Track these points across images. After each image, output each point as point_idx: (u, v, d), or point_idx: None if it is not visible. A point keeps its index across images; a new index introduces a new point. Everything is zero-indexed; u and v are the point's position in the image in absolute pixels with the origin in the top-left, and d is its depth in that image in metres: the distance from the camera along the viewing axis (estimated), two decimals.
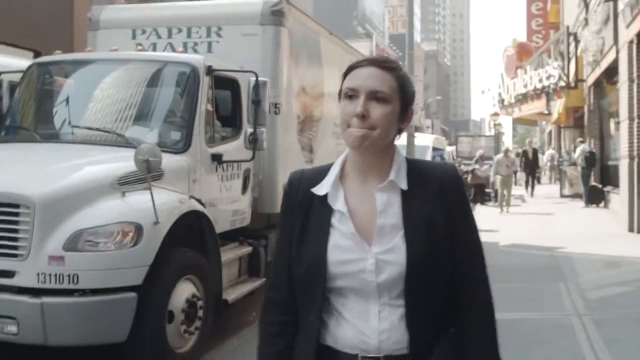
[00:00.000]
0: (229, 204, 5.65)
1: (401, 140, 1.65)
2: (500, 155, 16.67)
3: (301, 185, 1.62)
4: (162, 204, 4.37)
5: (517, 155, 21.85)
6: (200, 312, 4.74)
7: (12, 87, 5.89)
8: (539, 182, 24.66)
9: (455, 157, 22.95)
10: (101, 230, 4.10)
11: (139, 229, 4.18)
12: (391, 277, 1.49)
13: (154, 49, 6.46)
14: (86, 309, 4.01)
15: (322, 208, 1.56)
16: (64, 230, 4.04)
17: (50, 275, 3.96)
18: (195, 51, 6.33)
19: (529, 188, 21.26)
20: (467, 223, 1.61)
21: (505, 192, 15.81)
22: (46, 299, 3.94)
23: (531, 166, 21.36)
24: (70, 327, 4.00)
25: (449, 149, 22.72)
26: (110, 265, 4.09)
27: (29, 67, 5.82)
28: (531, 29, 27.65)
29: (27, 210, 4.02)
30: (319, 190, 1.58)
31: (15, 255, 4.03)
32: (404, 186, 1.54)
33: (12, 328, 3.99)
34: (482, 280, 1.61)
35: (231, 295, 5.45)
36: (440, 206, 1.55)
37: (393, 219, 1.52)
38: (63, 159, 4.75)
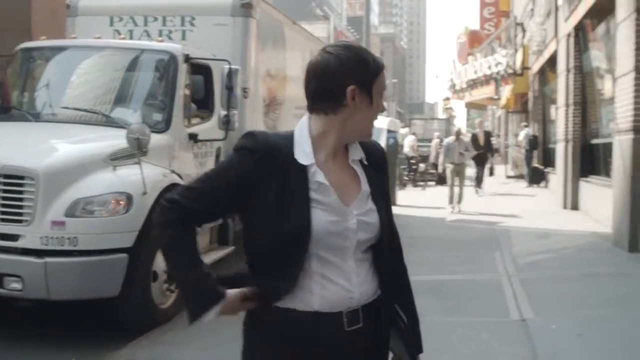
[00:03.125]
0: None
1: None
2: (450, 139, 13.27)
3: (274, 149, 1.66)
4: (149, 177, 4.96)
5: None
6: None
7: None
8: (491, 173, 20.24)
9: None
10: (97, 199, 4.70)
11: (129, 198, 4.79)
12: (367, 236, 1.69)
13: (131, 36, 6.99)
14: (84, 268, 4.61)
15: (300, 177, 1.64)
16: (64, 199, 4.62)
17: (52, 238, 4.54)
18: (170, 39, 6.88)
19: (479, 182, 16.37)
20: (389, 194, 1.85)
21: (457, 186, 12.57)
22: (49, 259, 4.52)
23: (482, 154, 16.49)
24: (70, 284, 4.59)
25: (403, 131, 23.52)
26: (105, 229, 4.70)
27: (16, 52, 6.29)
28: (483, 17, 28.67)
29: (31, 182, 4.57)
30: (304, 159, 1.66)
31: (20, 221, 4.59)
32: (365, 162, 1.76)
33: (17, 285, 4.56)
34: (399, 238, 1.89)
35: (205, 260, 6.08)
36: (384, 178, 1.81)
37: (366, 187, 1.72)
38: (58, 136, 5.31)
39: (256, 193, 1.64)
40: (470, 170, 15.95)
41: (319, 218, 1.62)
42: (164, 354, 4.44)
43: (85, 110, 5.63)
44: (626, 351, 4.24)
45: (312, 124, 1.70)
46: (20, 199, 4.62)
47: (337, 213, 1.65)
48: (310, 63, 1.70)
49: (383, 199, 1.75)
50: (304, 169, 1.65)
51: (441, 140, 19.23)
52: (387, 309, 1.74)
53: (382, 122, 21.09)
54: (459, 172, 12.62)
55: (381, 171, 1.80)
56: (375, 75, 1.68)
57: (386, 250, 1.74)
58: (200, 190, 1.70)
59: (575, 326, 4.68)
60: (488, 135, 18.18)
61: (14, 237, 4.59)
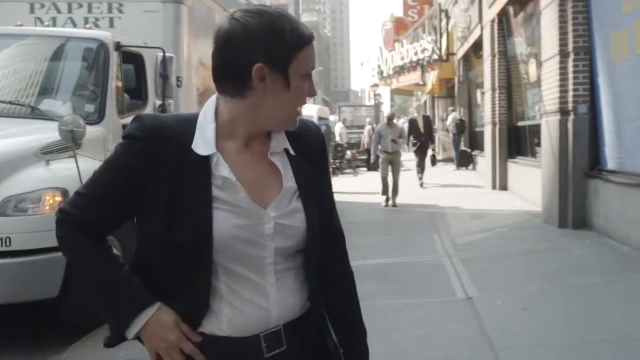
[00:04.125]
0: None
1: None
2: (382, 125, 11.66)
3: (165, 136, 1.34)
4: (84, 170, 4.72)
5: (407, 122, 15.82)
6: None
7: None
8: (433, 163, 17.98)
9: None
10: (30, 196, 4.44)
11: (65, 194, 4.54)
12: (288, 243, 1.40)
13: (54, 24, 6.65)
14: (19, 269, 4.35)
15: (199, 170, 1.34)
16: None
17: None
18: (97, 26, 6.59)
19: (422, 173, 14.25)
20: (330, 181, 1.59)
21: (391, 179, 11.06)
22: None
23: (422, 142, 14.44)
24: (4, 287, 4.33)
25: (332, 117, 23.68)
26: (40, 227, 4.43)
27: None
28: (407, 4, 29.13)
29: None
30: (203, 148, 1.34)
31: None
32: (292, 152, 1.44)
33: None
34: (343, 238, 1.59)
35: None
36: (319, 167, 1.50)
37: (291, 183, 1.42)
38: None
39: (147, 191, 1.34)
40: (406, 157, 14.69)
41: (223, 221, 1.32)
42: (109, 355, 4.23)
43: (9, 102, 5.31)
44: (568, 320, 4.42)
45: (220, 107, 1.39)
46: None
47: (248, 215, 1.35)
48: (214, 33, 1.35)
49: (317, 195, 1.45)
50: (205, 161, 1.34)
51: (373, 127, 19.41)
52: (316, 325, 1.47)
53: (312, 110, 21.19)
54: (392, 161, 11.07)
55: (317, 163, 1.48)
56: (293, 50, 1.32)
57: (315, 258, 1.45)
58: (89, 196, 1.39)
59: (518, 301, 4.85)
60: (428, 120, 15.45)
61: None
